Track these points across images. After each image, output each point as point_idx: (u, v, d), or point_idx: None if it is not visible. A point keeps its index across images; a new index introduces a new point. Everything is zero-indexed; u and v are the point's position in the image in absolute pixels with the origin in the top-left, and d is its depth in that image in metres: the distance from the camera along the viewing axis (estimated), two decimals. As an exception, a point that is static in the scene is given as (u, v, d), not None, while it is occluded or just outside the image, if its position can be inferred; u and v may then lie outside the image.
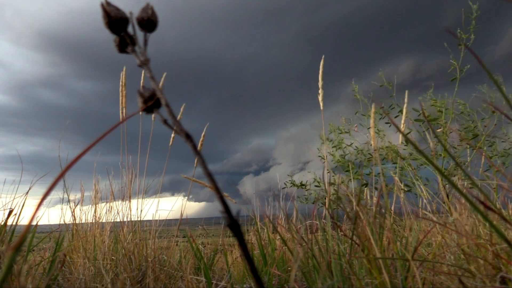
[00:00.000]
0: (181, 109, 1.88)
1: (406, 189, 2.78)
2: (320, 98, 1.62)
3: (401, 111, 3.22)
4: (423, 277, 0.90)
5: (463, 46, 2.75)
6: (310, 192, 3.65)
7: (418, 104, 3.30)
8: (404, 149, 3.01)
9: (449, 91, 3.12)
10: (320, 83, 1.62)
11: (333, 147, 3.62)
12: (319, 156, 3.74)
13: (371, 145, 3.00)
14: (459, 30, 2.80)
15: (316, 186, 3.57)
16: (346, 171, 3.47)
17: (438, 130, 2.85)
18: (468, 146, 2.70)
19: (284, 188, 3.77)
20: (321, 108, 1.65)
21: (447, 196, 1.60)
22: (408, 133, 3.05)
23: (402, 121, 1.50)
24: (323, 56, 1.68)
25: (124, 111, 1.72)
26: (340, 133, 3.61)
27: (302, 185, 3.72)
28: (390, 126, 3.30)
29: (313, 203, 3.54)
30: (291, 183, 3.76)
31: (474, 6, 2.74)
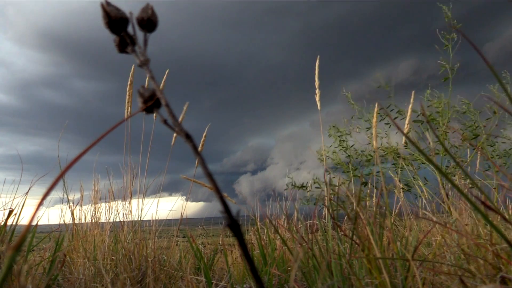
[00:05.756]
0: (184, 108, 1.85)
1: (406, 189, 2.79)
2: (317, 98, 1.65)
3: (399, 112, 3.23)
4: (423, 277, 0.90)
5: (450, 46, 2.82)
6: (311, 193, 3.66)
7: (418, 104, 3.32)
8: (405, 148, 3.03)
9: (450, 91, 3.12)
10: (316, 83, 1.65)
11: (335, 147, 3.64)
12: (319, 158, 3.75)
13: (371, 145, 3.00)
14: (442, 32, 2.88)
15: (316, 187, 3.58)
16: (347, 171, 3.48)
17: (437, 130, 2.86)
18: (469, 145, 2.71)
19: (286, 189, 3.77)
20: (319, 108, 1.68)
21: (447, 195, 1.60)
22: (407, 133, 3.05)
23: (407, 122, 1.50)
24: (318, 57, 1.73)
25: (129, 110, 1.69)
26: (341, 135, 3.62)
27: (302, 186, 3.73)
28: (390, 127, 3.31)
29: (314, 204, 3.55)
30: (292, 185, 3.75)
31: (444, 7, 2.85)
